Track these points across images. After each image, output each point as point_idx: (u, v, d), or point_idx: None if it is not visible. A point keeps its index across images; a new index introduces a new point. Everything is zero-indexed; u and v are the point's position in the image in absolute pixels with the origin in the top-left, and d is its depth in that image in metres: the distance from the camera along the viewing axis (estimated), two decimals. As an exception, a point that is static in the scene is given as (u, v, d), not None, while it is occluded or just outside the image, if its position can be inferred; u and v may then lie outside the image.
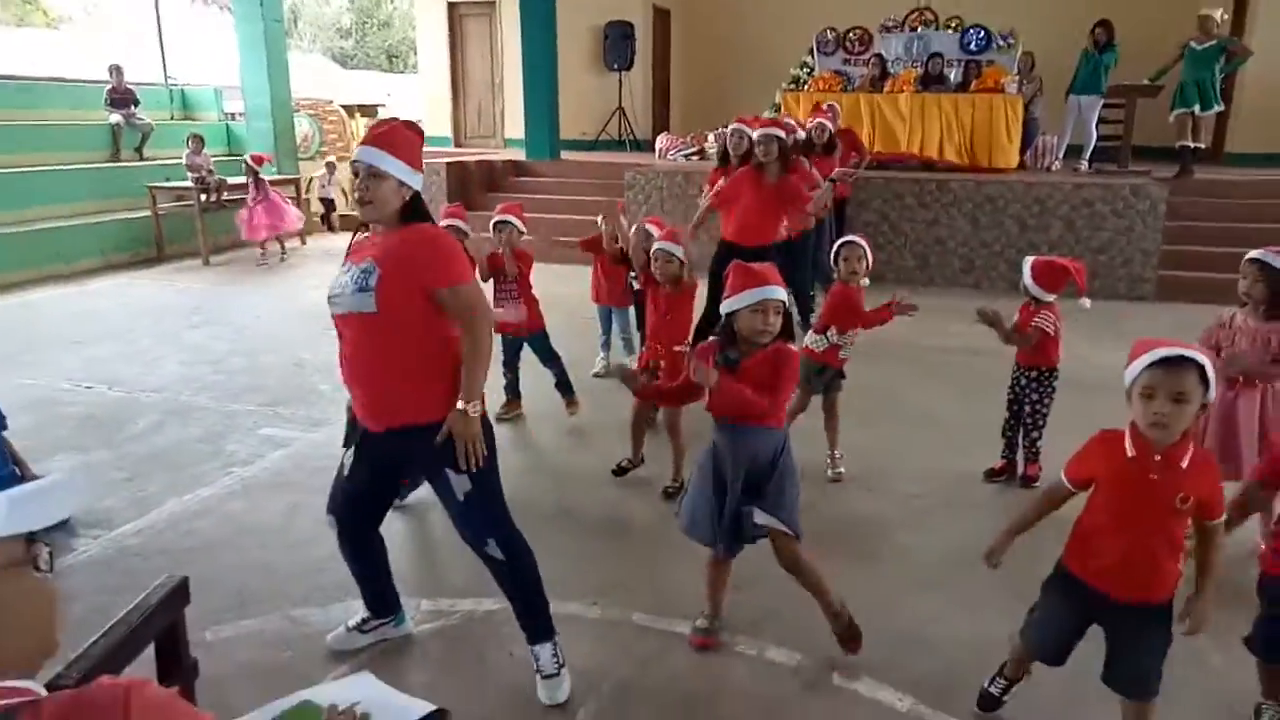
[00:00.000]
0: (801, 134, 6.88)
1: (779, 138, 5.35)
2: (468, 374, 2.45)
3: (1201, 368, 1.99)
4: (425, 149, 2.59)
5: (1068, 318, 4.06)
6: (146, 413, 5.02)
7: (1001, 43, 10.97)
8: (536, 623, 2.65)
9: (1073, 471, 2.26)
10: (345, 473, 2.66)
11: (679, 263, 4.01)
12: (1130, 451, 2.09)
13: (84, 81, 11.96)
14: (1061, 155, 10.67)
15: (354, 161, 2.43)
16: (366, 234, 2.61)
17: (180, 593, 1.80)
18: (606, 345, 5.81)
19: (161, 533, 3.64)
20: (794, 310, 6.50)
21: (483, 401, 2.48)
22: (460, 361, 2.46)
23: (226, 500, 3.96)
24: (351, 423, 2.92)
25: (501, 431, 4.77)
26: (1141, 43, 10.75)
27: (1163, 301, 8.09)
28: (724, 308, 2.64)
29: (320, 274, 9.09)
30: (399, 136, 2.45)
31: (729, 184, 5.54)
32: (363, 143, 2.43)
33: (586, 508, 3.96)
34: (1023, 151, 10.24)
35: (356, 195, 2.45)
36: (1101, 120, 10.47)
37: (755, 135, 5.42)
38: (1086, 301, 4.11)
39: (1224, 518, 2.14)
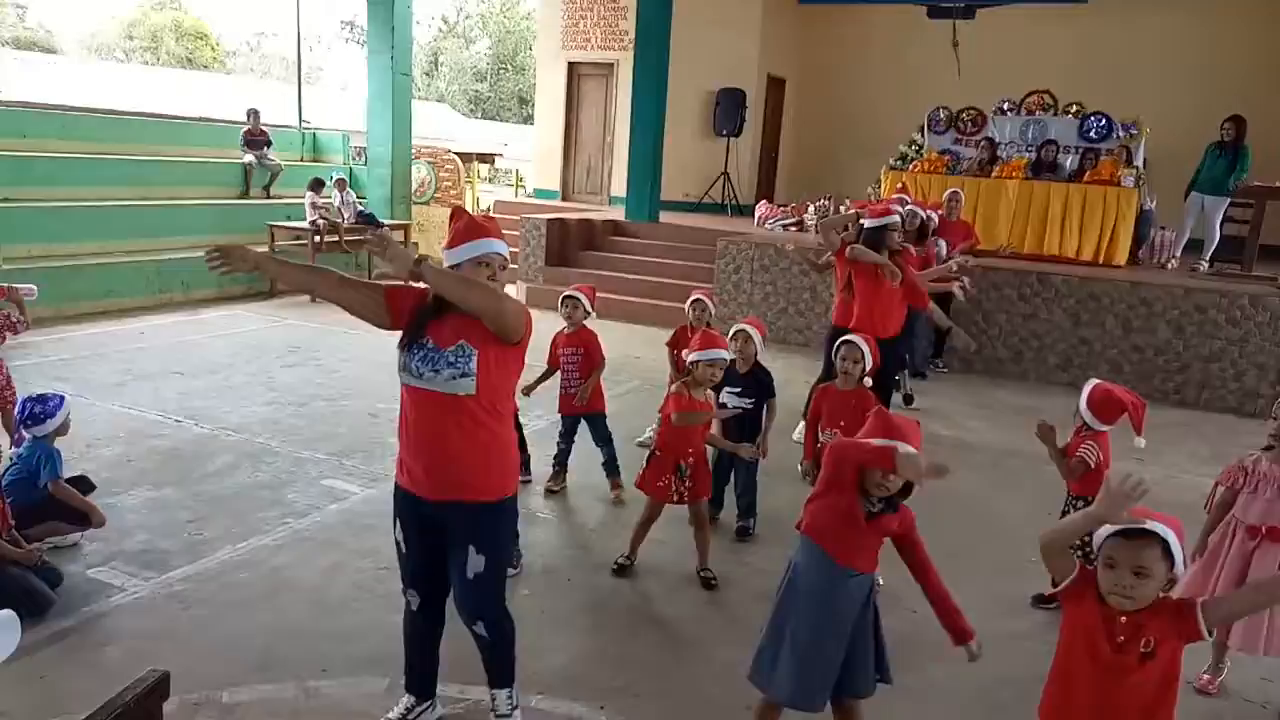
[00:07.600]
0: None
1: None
2: (459, 279, 2.47)
3: (1165, 543, 1.92)
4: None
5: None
6: (224, 453, 5.28)
7: (1124, 132, 10.58)
8: (501, 673, 2.81)
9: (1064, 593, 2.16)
10: (405, 548, 2.76)
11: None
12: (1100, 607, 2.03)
13: (226, 122, 12.87)
14: (1179, 253, 10.16)
15: (486, 254, 2.57)
16: (430, 310, 2.60)
17: (159, 689, 1.88)
18: None
19: (207, 582, 3.81)
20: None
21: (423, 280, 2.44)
22: (515, 439, 2.74)
23: (275, 553, 4.11)
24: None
25: (546, 504, 4.87)
26: (1272, 140, 10.19)
27: None
28: None
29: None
30: (496, 224, 2.72)
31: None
32: (487, 236, 2.59)
33: (613, 597, 3.93)
34: (1137, 247, 9.79)
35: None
36: (1227, 218, 9.94)
37: None
38: (1141, 441, 3.86)
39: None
